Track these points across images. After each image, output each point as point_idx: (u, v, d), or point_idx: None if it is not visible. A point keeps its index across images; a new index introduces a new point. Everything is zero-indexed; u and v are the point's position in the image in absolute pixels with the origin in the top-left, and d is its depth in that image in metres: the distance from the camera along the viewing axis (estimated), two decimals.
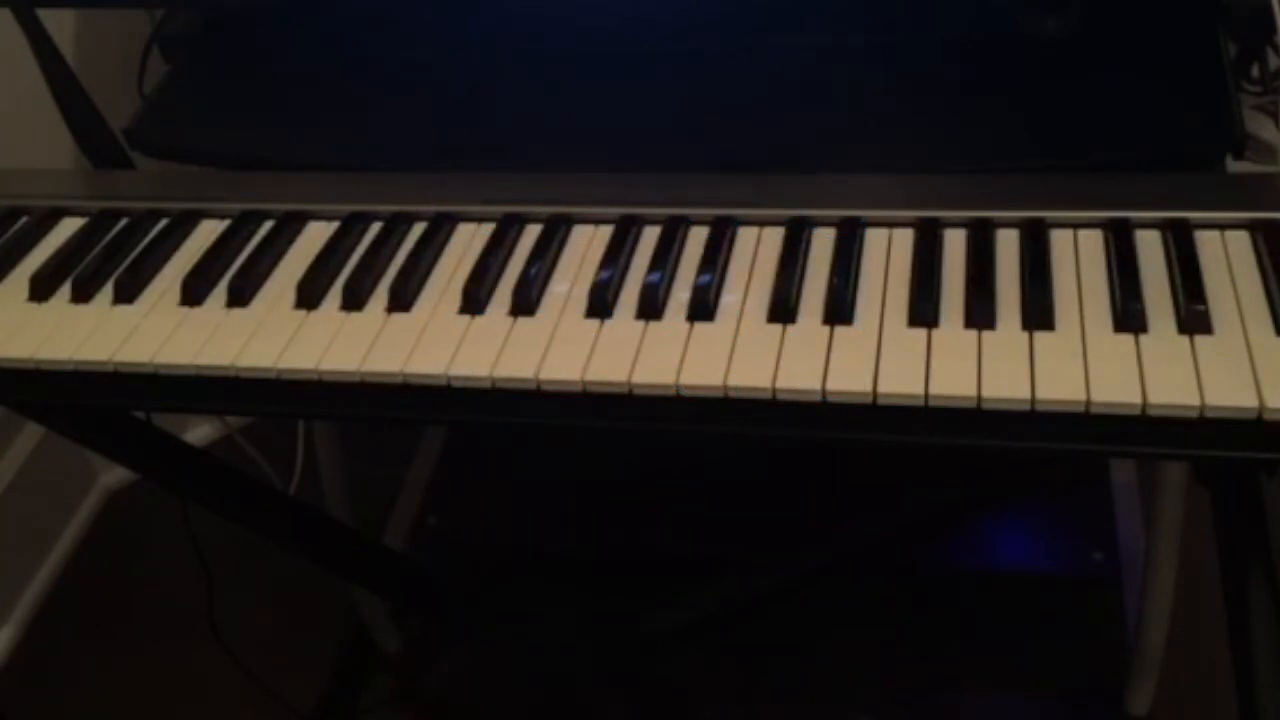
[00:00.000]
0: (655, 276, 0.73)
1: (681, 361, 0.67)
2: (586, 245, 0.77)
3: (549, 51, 0.94)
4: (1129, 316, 0.66)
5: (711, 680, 1.41)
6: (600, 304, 0.72)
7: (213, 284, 0.78)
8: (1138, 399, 0.61)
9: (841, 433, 0.65)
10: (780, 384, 0.65)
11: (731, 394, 0.66)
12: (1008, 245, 0.72)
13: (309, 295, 0.76)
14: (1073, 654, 1.38)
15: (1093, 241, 0.72)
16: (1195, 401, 0.61)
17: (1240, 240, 0.70)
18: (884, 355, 0.66)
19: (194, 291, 0.77)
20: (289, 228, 0.82)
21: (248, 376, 0.72)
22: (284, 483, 1.42)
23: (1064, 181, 0.76)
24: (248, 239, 0.81)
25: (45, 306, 0.78)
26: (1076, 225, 0.73)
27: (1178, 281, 0.67)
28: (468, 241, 0.79)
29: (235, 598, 1.41)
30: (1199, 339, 0.64)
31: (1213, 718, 1.31)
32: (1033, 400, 0.62)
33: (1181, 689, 1.32)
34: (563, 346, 0.70)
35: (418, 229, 0.80)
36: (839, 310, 0.69)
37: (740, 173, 0.81)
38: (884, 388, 0.64)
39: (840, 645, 1.42)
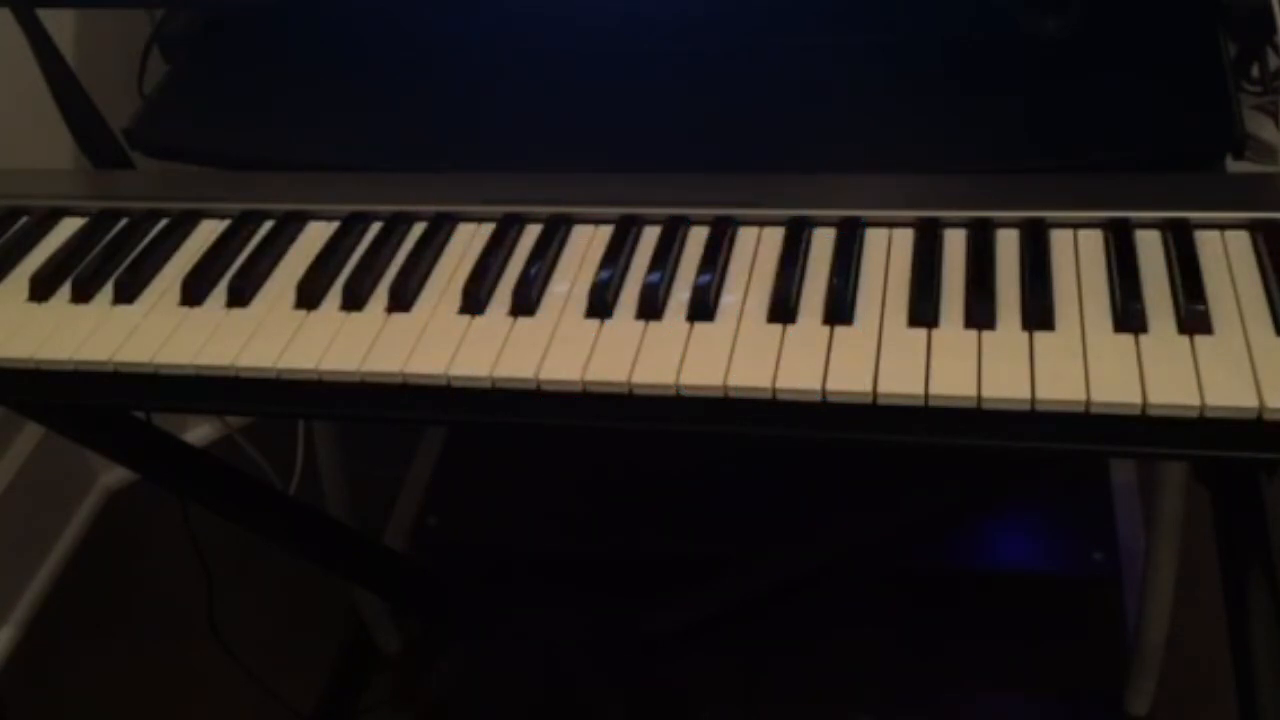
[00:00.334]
0: (655, 276, 0.73)
1: (681, 361, 0.67)
2: (586, 245, 0.77)
3: (549, 51, 0.94)
4: (1129, 316, 0.66)
5: (711, 680, 1.41)
6: (600, 304, 0.72)
7: (213, 284, 0.78)
8: (1138, 399, 0.61)
9: (841, 433, 0.65)
10: (780, 384, 0.65)
11: (731, 394, 0.66)
12: (1008, 245, 0.72)
13: (309, 295, 0.76)
14: (1073, 654, 1.38)
15: (1093, 241, 0.72)
16: (1195, 401, 0.61)
17: (1240, 240, 0.70)
18: (884, 355, 0.66)
19: (194, 291, 0.77)
20: (289, 228, 0.82)
21: (248, 376, 0.72)
22: (284, 483, 1.42)
23: (1064, 181, 0.76)
24: (248, 239, 0.81)
25: (45, 306, 0.78)
26: (1076, 225, 0.73)
27: (1178, 281, 0.67)
28: (468, 241, 0.79)
29: (235, 598, 1.41)
30: (1199, 339, 0.64)
31: (1213, 718, 1.31)
32: (1033, 400, 0.62)
33: (1181, 689, 1.32)
34: (563, 346, 0.70)
35: (418, 229, 0.80)
36: (839, 310, 0.69)
37: (740, 173, 0.81)
38: (884, 388, 0.64)
39: (840, 645, 1.42)
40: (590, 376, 0.67)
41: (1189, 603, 1.26)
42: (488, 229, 0.79)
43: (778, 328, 0.69)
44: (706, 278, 0.72)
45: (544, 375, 0.68)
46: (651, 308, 0.71)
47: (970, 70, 0.88)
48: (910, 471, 1.25)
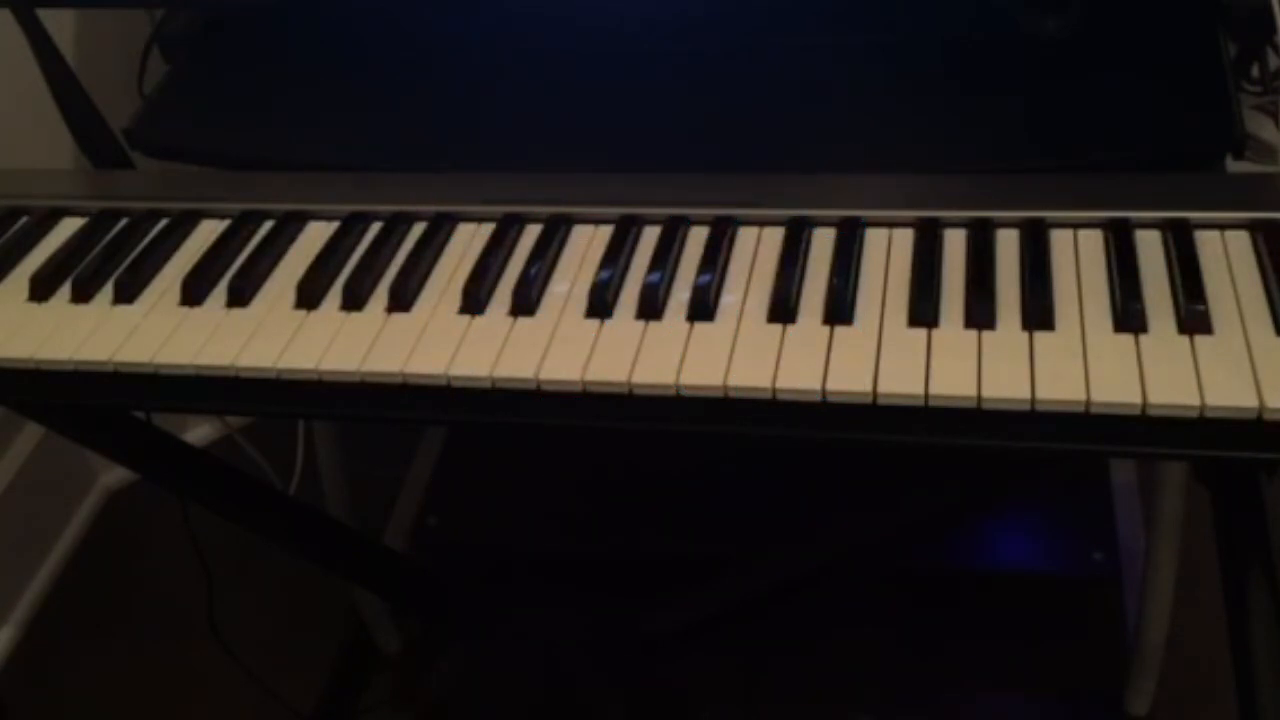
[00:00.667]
0: (655, 276, 0.73)
1: (681, 361, 0.67)
2: (586, 245, 0.77)
3: (549, 51, 0.94)
4: (1129, 316, 0.66)
5: (711, 680, 1.41)
6: (600, 304, 0.72)
7: (213, 284, 0.78)
8: (1138, 399, 0.61)
9: (841, 433, 0.65)
10: (780, 384, 0.65)
11: (731, 394, 0.66)
12: (1008, 245, 0.72)
13: (309, 295, 0.76)
14: (1073, 654, 1.38)
15: (1093, 241, 0.72)
16: (1195, 401, 0.61)
17: (1240, 240, 0.70)
18: (884, 355, 0.66)
19: (194, 291, 0.77)
20: (289, 228, 0.82)
21: (248, 376, 0.72)
22: (284, 483, 1.42)
23: (1064, 181, 0.76)
24: (248, 239, 0.81)
25: (45, 306, 0.78)
26: (1076, 225, 0.73)
27: (1178, 281, 0.67)
28: (468, 241, 0.79)
29: (235, 598, 1.41)
30: (1199, 339, 0.64)
31: (1213, 718, 1.31)
32: (1033, 400, 0.62)
33: (1181, 689, 1.32)
34: (563, 346, 0.70)
35: (418, 229, 0.80)
36: (839, 310, 0.69)
37: (740, 173, 0.81)
38: (884, 388, 0.64)
39: (840, 645, 1.42)
40: (590, 376, 0.67)
41: (1189, 603, 1.26)
42: (488, 229, 0.79)
43: (778, 328, 0.69)
44: (706, 278, 0.72)
45: (544, 375, 0.68)
46: (651, 308, 0.71)
47: (970, 70, 0.88)
48: (910, 471, 1.25)
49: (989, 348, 0.65)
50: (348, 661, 1.48)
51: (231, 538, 1.26)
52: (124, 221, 0.84)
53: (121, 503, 1.72)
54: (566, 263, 0.76)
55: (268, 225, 0.82)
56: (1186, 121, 0.82)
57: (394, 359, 0.70)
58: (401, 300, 0.74)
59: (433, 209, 0.81)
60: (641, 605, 1.37)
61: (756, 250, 0.75)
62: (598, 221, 0.78)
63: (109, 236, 0.83)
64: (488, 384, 0.69)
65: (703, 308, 0.71)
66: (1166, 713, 1.32)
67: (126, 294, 0.78)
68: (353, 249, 0.79)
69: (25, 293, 0.79)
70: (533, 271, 0.74)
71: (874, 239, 0.74)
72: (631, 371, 0.67)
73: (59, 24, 0.95)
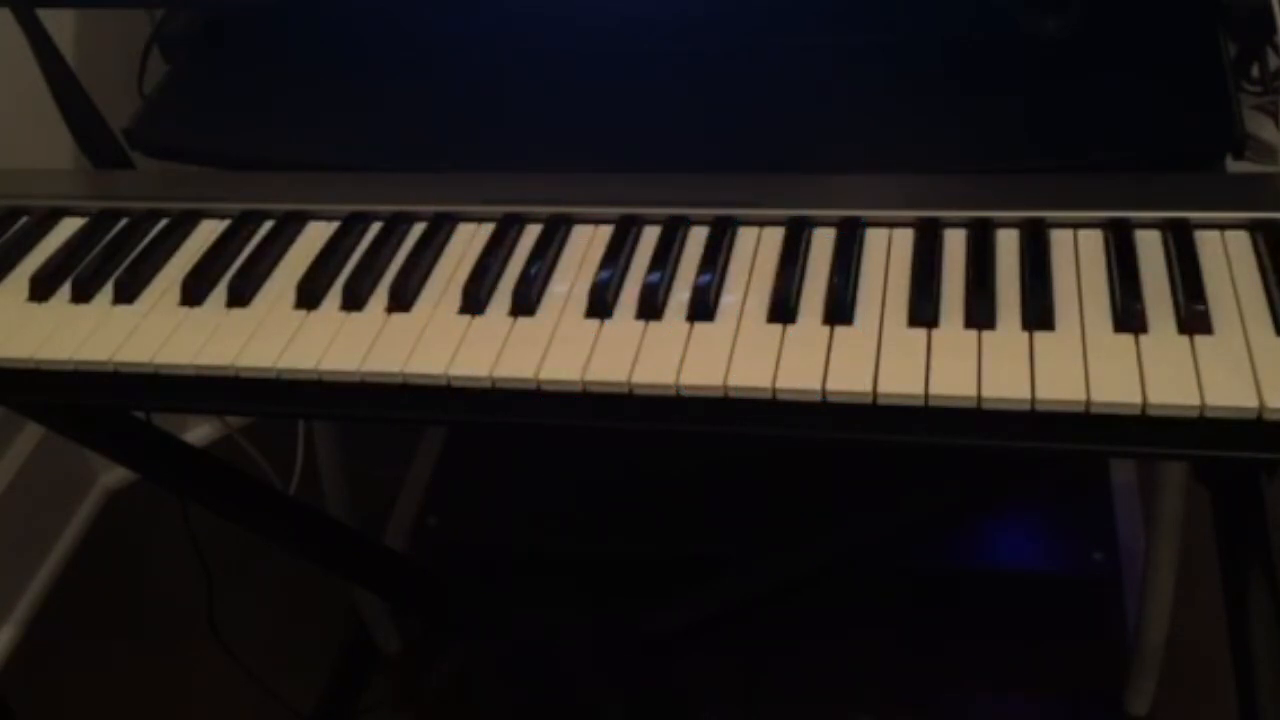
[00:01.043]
0: (655, 276, 0.73)
1: (681, 361, 0.67)
2: (586, 245, 0.77)
3: (549, 51, 0.94)
4: (1129, 316, 0.66)
5: (711, 680, 1.41)
6: (600, 304, 0.72)
7: (213, 284, 0.78)
8: (1138, 399, 0.61)
9: (841, 433, 0.65)
10: (780, 384, 0.65)
11: (731, 394, 0.66)
12: (1008, 245, 0.72)
13: (309, 295, 0.76)
14: (1073, 654, 1.38)
15: (1093, 241, 0.72)
16: (1195, 401, 0.61)
17: (1240, 240, 0.70)
18: (884, 355, 0.66)
19: (194, 291, 0.77)
20: (289, 228, 0.82)
21: (248, 376, 0.72)
22: (284, 483, 1.42)
23: (1064, 181, 0.76)
24: (248, 239, 0.81)
25: (45, 306, 0.78)
26: (1076, 225, 0.73)
27: (1178, 281, 0.67)
28: (468, 241, 0.79)
29: (235, 598, 1.41)
30: (1199, 339, 0.64)
31: (1213, 718, 1.31)
32: (1033, 400, 0.62)
33: (1181, 689, 1.32)
34: (563, 346, 0.70)
35: (418, 229, 0.80)
36: (839, 310, 0.69)
37: (740, 173, 0.81)
38: (884, 388, 0.64)
39: (840, 645, 1.42)
40: (590, 376, 0.67)
41: (1189, 603, 1.26)
42: (488, 229, 0.79)
43: (778, 328, 0.69)
44: (706, 278, 0.72)
45: (544, 375, 0.68)
46: (651, 308, 0.71)
47: (970, 70, 0.88)
48: (910, 471, 1.25)
49: (989, 348, 0.65)
50: (348, 661, 1.48)
51: (231, 538, 1.26)
52: (124, 221, 0.84)
53: (121, 503, 1.71)
54: (566, 263, 0.76)
55: (268, 225, 0.82)
56: (1186, 121, 0.82)
57: (394, 359, 0.70)
58: (401, 300, 0.74)
59: (433, 209, 0.81)
60: (641, 605, 1.37)
61: (756, 250, 0.75)
62: (598, 221, 0.78)
63: (109, 236, 0.83)
64: (488, 384, 0.69)
65: (703, 308, 0.71)
66: (1166, 713, 1.32)
67: (126, 294, 0.78)
68: (353, 249, 0.79)
69: (25, 293, 0.79)
70: (533, 271, 0.74)
71: (874, 239, 0.74)
72: (631, 371, 0.67)
73: (59, 24, 0.95)
